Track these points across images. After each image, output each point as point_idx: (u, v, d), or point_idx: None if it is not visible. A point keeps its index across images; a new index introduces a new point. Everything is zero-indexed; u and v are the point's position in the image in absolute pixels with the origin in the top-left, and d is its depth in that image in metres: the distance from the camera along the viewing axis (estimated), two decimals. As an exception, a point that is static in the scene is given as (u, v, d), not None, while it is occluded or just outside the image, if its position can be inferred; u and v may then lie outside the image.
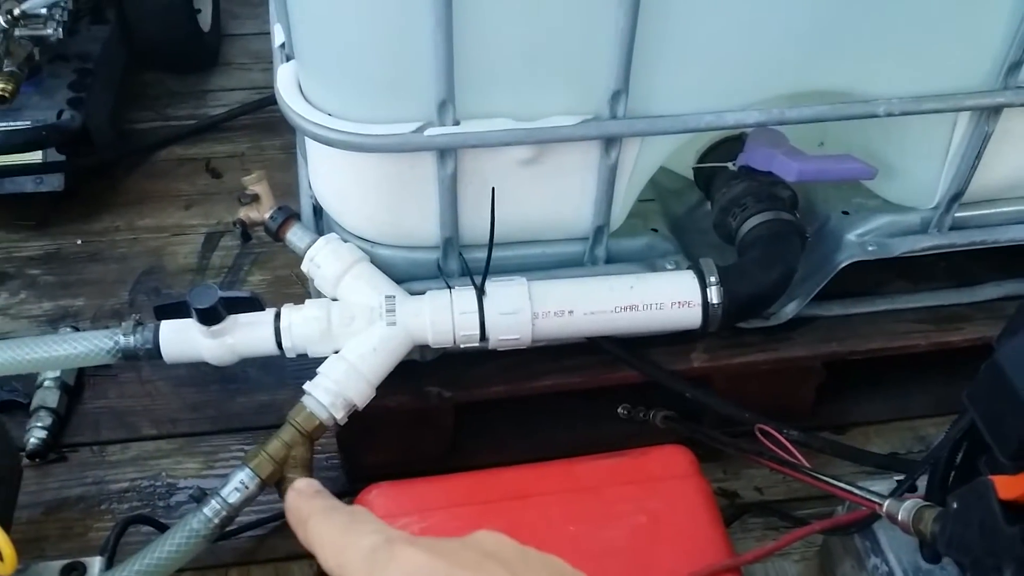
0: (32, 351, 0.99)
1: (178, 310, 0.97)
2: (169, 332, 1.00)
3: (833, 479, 0.88)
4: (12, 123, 1.47)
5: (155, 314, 0.97)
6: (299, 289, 1.44)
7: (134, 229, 1.57)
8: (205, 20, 1.87)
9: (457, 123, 0.93)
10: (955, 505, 0.74)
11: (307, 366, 1.01)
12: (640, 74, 0.92)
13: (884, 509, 0.82)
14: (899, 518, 0.80)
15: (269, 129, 1.73)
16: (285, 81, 0.97)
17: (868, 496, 0.83)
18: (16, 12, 1.45)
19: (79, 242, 1.55)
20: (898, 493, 0.85)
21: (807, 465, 0.93)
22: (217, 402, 1.31)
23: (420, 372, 1.08)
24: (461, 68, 0.89)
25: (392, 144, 0.93)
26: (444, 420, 1.15)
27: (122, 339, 0.99)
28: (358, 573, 0.40)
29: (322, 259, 1.03)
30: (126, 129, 1.74)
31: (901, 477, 0.98)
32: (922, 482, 0.89)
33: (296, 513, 0.46)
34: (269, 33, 1.90)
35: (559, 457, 1.02)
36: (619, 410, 1.16)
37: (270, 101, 1.74)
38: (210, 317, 0.95)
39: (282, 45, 1.00)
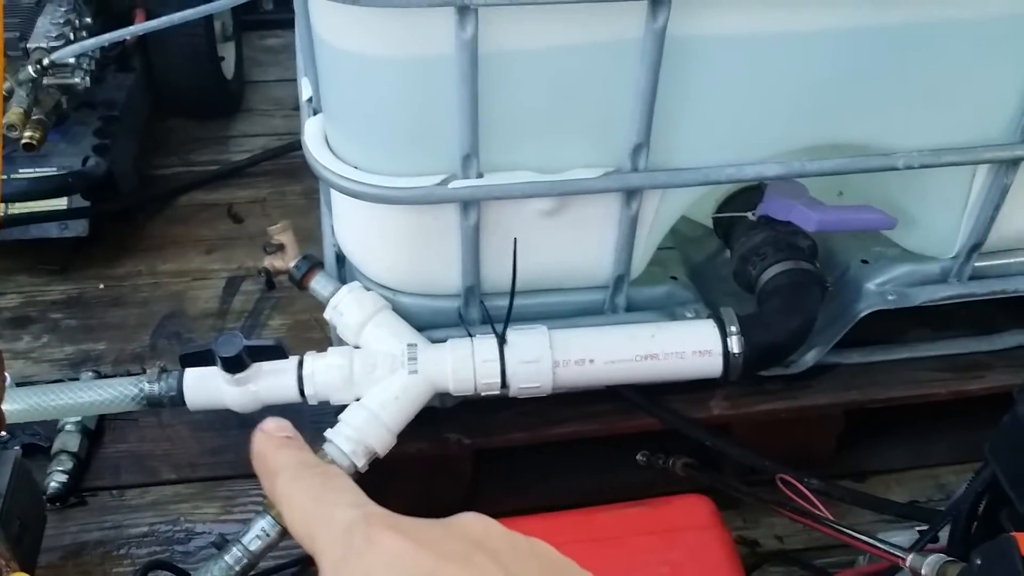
0: (58, 397, 1.01)
1: (203, 358, 0.98)
2: (193, 380, 1.01)
3: (854, 531, 0.88)
4: (39, 170, 1.49)
5: (180, 362, 0.98)
6: (319, 333, 1.45)
7: (156, 274, 1.59)
8: (228, 67, 1.90)
9: (480, 175, 0.94)
10: (978, 561, 0.74)
11: (325, 411, 1.02)
12: (661, 128, 0.94)
13: (907, 563, 0.81)
14: (922, 572, 0.80)
15: (290, 175, 1.75)
16: (312, 134, 0.99)
17: (891, 550, 0.83)
18: (45, 62, 1.48)
19: (101, 286, 1.57)
20: (920, 546, 0.85)
21: (829, 516, 0.92)
22: (236, 446, 1.32)
23: (439, 419, 1.09)
24: (485, 123, 0.90)
25: (417, 196, 0.94)
26: (463, 467, 1.15)
27: (147, 386, 1.01)
28: (330, 551, 0.35)
29: (345, 307, 1.05)
30: (149, 175, 1.77)
31: (922, 527, 0.98)
32: (944, 533, 0.89)
33: (263, 462, 0.40)
34: (291, 80, 1.95)
35: (578, 503, 1.02)
36: (638, 457, 1.17)
37: (292, 147, 1.76)
38: (235, 365, 0.96)
39: (309, 99, 1.02)
